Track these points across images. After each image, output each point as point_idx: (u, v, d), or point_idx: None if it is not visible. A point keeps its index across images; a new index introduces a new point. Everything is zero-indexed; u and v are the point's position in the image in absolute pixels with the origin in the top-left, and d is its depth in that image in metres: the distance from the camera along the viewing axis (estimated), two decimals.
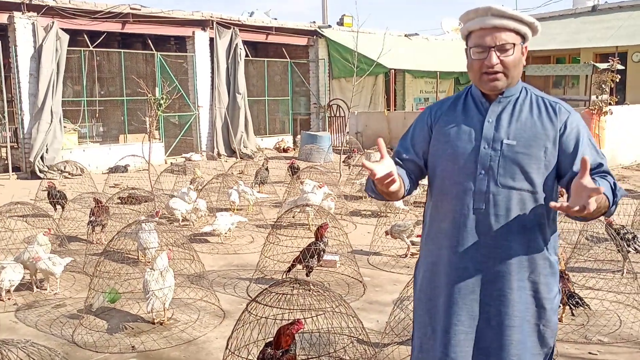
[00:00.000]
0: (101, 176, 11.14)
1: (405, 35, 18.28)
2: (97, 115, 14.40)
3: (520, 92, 1.93)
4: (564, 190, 1.90)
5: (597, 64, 14.35)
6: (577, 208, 1.63)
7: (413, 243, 5.74)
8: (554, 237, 1.95)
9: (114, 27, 12.69)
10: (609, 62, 11.32)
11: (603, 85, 11.09)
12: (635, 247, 4.82)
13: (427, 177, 2.08)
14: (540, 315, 1.91)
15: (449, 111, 2.00)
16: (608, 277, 4.65)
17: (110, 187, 9.56)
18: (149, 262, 5.01)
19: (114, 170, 11.15)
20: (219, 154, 14.16)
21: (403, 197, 2.01)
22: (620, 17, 17.94)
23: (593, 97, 11.84)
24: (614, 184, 1.83)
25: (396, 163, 2.03)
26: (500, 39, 1.83)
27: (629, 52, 17.71)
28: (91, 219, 6.08)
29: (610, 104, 10.81)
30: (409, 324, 3.74)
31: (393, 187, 1.82)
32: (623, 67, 13.17)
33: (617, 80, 11.11)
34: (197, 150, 14.10)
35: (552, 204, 1.68)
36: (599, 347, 3.58)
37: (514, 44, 1.84)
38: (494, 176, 1.86)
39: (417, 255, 5.88)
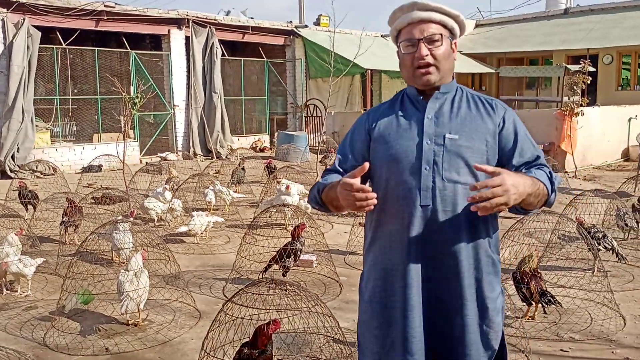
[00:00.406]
0: (74, 176, 10.97)
1: (381, 36, 18.37)
2: (70, 113, 14.17)
3: (457, 91, 1.95)
4: None
5: (569, 66, 14.63)
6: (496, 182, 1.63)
7: None
8: (496, 235, 1.95)
9: (88, 24, 12.51)
10: (580, 64, 11.54)
11: (575, 87, 11.30)
12: (605, 246, 4.92)
13: (368, 182, 1.99)
14: (482, 314, 1.87)
15: (387, 113, 1.97)
16: (579, 276, 4.74)
17: (83, 187, 9.41)
18: (123, 263, 4.96)
19: (87, 169, 10.98)
20: (195, 154, 14.06)
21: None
22: (592, 20, 18.30)
23: (565, 99, 12.06)
24: (550, 173, 1.86)
25: (337, 172, 1.98)
26: (428, 30, 1.84)
27: (599, 54, 18.08)
28: (64, 219, 5.98)
29: (581, 105, 11.03)
30: None
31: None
32: (594, 69, 13.46)
33: (589, 82, 11.33)
34: (173, 150, 13.98)
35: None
36: (570, 344, 3.65)
37: (442, 35, 1.86)
38: (439, 171, 1.84)
39: None
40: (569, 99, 11.48)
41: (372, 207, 1.76)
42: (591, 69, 11.68)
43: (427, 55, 1.83)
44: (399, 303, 1.88)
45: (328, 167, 1.96)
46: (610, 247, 4.90)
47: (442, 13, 1.87)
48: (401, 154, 1.88)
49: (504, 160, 1.89)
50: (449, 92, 1.92)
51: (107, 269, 5.18)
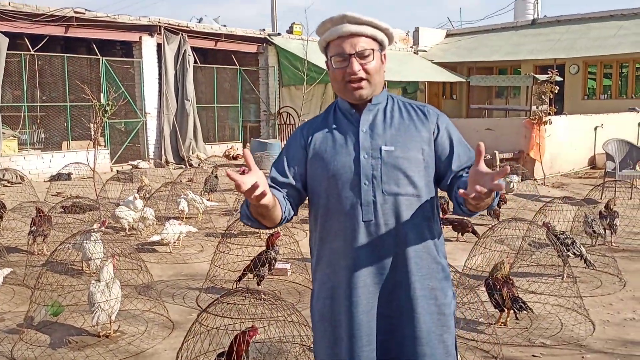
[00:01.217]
0: (43, 184, 10.74)
1: None
2: (38, 121, 13.87)
3: (387, 100, 1.94)
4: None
5: (537, 76, 14.94)
6: (485, 190, 1.60)
7: None
8: (441, 240, 1.95)
9: (57, 30, 12.29)
10: (548, 73, 11.80)
11: (543, 96, 11.54)
12: (574, 252, 5.02)
13: (307, 199, 1.97)
14: (442, 322, 1.87)
15: (321, 128, 1.94)
16: (550, 282, 4.83)
17: (52, 195, 9.23)
18: (94, 273, 4.87)
19: (56, 178, 10.76)
20: (167, 162, 13.91)
21: (281, 222, 1.87)
22: (558, 31, 18.75)
23: (533, 108, 12.30)
24: None
25: (273, 188, 1.87)
26: (359, 45, 1.82)
27: (566, 64, 18.52)
28: (32, 229, 5.85)
29: (549, 114, 11.27)
30: None
31: (265, 201, 1.67)
32: (561, 79, 13.77)
33: (556, 91, 11.59)
34: (145, 158, 13.82)
35: (461, 191, 1.65)
36: (541, 350, 3.71)
37: (373, 50, 1.84)
38: (379, 185, 1.82)
39: None
40: (537, 107, 11.71)
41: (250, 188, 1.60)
42: (558, 78, 11.94)
43: (359, 70, 1.82)
44: (344, 322, 1.84)
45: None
46: (579, 253, 5.01)
47: (372, 26, 1.85)
48: (340, 170, 1.85)
49: (442, 167, 1.89)
50: (380, 103, 1.92)
51: (78, 279, 5.09)
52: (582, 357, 3.61)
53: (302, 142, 1.95)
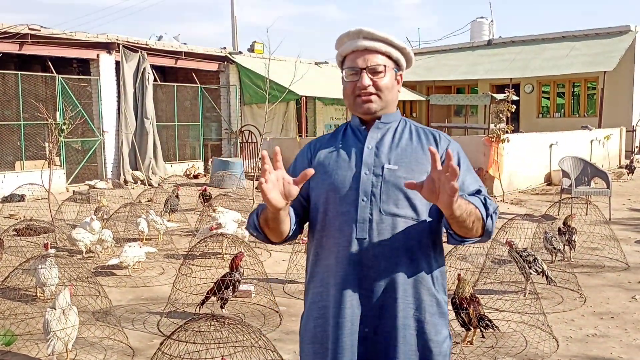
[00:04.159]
0: None
1: (315, 63, 18.62)
2: None
3: (400, 122, 1.91)
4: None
5: (495, 95, 15.31)
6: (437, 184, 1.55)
7: None
8: (441, 273, 1.84)
9: (10, 48, 11.94)
10: (504, 92, 12.10)
11: (500, 115, 11.81)
12: (536, 269, 5.09)
13: (309, 213, 1.92)
14: (426, 359, 1.78)
15: (329, 143, 1.93)
16: (513, 298, 4.88)
17: (5, 218, 8.88)
18: (49, 300, 4.67)
19: (8, 199, 10.36)
20: (125, 181, 13.60)
21: (287, 239, 1.86)
22: (513, 51, 19.33)
23: (492, 126, 12.57)
24: (485, 199, 1.77)
25: None
26: (372, 60, 1.81)
27: (521, 83, 19.08)
28: None
29: (507, 132, 11.53)
30: None
31: (283, 211, 1.68)
32: (517, 98, 14.13)
33: (513, 110, 11.88)
34: (102, 178, 13.47)
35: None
36: None
37: (385, 66, 1.83)
38: (377, 203, 1.77)
39: None
40: (495, 126, 11.98)
41: (267, 184, 1.62)
42: (515, 97, 12.26)
43: (369, 85, 1.81)
44: (331, 345, 1.78)
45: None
46: (540, 270, 5.08)
47: (387, 44, 1.84)
48: (339, 184, 1.82)
49: None
50: (391, 123, 1.88)
51: (32, 306, 4.87)
52: None
53: (309, 155, 1.95)
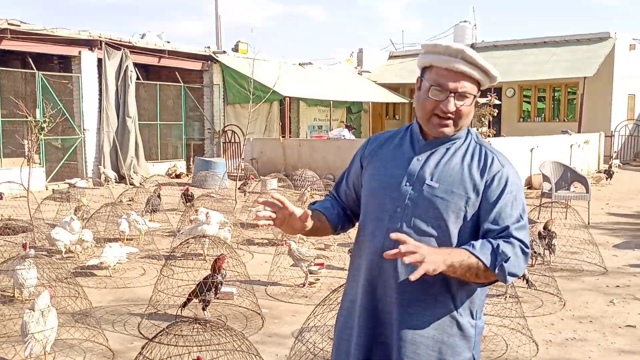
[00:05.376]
0: None
1: (299, 64, 18.61)
2: None
3: (460, 139, 1.84)
4: None
5: (478, 99, 15.45)
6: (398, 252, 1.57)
7: (311, 272, 5.74)
8: (471, 298, 1.79)
9: None
10: (487, 96, 12.22)
11: (482, 119, 11.94)
12: None
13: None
14: None
15: (385, 144, 1.93)
16: (494, 302, 4.92)
17: None
18: (27, 301, 4.60)
19: None
20: (106, 180, 13.46)
21: (335, 232, 2.03)
22: (495, 55, 19.51)
23: (474, 130, 12.66)
24: (497, 246, 1.69)
25: (333, 196, 2.07)
26: (464, 86, 1.75)
27: (503, 87, 19.28)
28: None
29: (489, 135, 11.65)
30: (310, 358, 3.71)
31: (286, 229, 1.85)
32: (499, 102, 14.30)
33: (495, 114, 12.01)
34: (83, 176, 13.31)
35: (392, 235, 1.61)
36: None
37: (473, 95, 1.77)
38: (409, 216, 1.76)
39: (316, 285, 5.89)
40: (477, 129, 12.09)
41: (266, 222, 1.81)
42: (497, 101, 12.40)
43: (453, 110, 1.75)
44: (354, 340, 1.87)
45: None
46: (521, 274, 5.12)
47: (483, 72, 1.77)
48: (380, 191, 1.84)
49: (481, 217, 1.76)
50: (451, 140, 1.83)
51: (9, 307, 4.78)
52: None
53: (363, 152, 1.99)
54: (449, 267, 1.63)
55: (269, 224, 1.80)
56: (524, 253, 1.71)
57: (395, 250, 1.57)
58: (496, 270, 1.68)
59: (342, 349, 1.91)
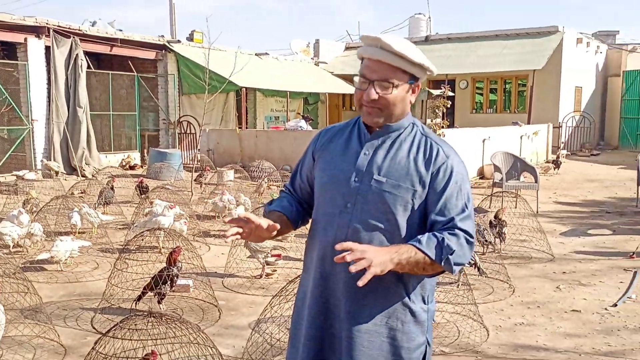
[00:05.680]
0: None
1: (256, 54, 18.45)
2: None
3: (406, 129, 1.86)
4: None
5: (431, 90, 15.68)
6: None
7: (268, 263, 5.75)
8: (422, 284, 1.84)
9: None
10: (441, 88, 12.43)
11: (436, 110, 12.14)
12: (469, 262, 5.27)
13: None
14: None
15: (334, 138, 1.95)
16: (447, 289, 5.04)
17: None
18: None
19: None
20: (56, 172, 13.06)
21: (295, 228, 2.06)
22: (449, 48, 19.83)
23: (428, 121, 12.89)
24: (442, 240, 1.72)
25: (289, 191, 2.09)
26: (381, 74, 1.75)
27: (456, 79, 19.61)
28: None
29: (442, 127, 11.86)
30: (267, 348, 3.73)
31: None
32: (453, 94, 14.55)
33: (448, 105, 12.22)
34: (32, 168, 12.88)
35: (338, 245, 1.64)
36: (442, 358, 3.86)
37: (393, 83, 1.76)
38: (357, 211, 1.80)
39: (273, 276, 5.90)
40: (431, 121, 12.29)
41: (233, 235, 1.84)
42: (450, 93, 12.62)
43: (374, 98, 1.77)
44: (303, 330, 1.91)
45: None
46: (473, 262, 5.27)
47: (401, 58, 1.75)
48: (329, 185, 1.87)
49: (428, 208, 1.80)
50: (394, 131, 1.84)
51: None
52: None
53: (315, 146, 2.00)
54: (396, 265, 1.67)
55: (237, 238, 1.83)
56: (469, 242, 1.77)
57: (341, 255, 1.61)
58: (442, 263, 1.72)
59: (295, 339, 1.95)
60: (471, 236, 1.77)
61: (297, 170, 2.07)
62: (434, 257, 1.71)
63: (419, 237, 1.74)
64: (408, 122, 1.87)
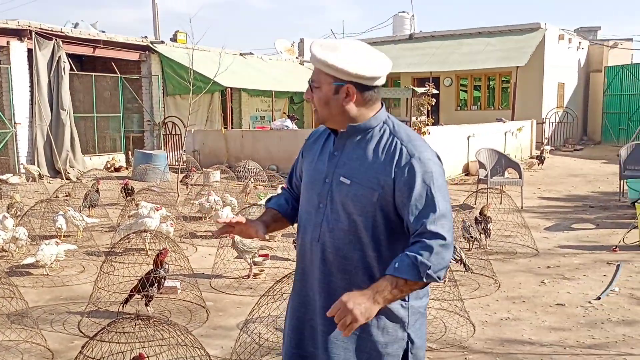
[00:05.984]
0: None
1: (240, 54, 18.41)
2: None
3: (374, 128, 1.86)
4: None
5: (416, 88, 15.77)
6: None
7: (255, 263, 5.76)
8: None
9: None
10: (425, 86, 12.50)
11: (421, 108, 12.21)
12: (454, 257, 5.33)
13: None
14: (372, 358, 1.86)
15: (318, 139, 2.02)
16: (433, 286, 5.09)
17: None
18: None
19: None
20: (41, 175, 12.95)
21: (292, 224, 2.15)
22: (433, 46, 19.94)
23: (413, 118, 12.96)
24: (415, 257, 1.69)
25: (288, 189, 2.19)
26: (316, 79, 1.86)
27: (441, 77, 19.72)
28: None
29: (427, 124, 11.93)
30: (255, 348, 3.74)
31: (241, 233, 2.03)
32: (437, 91, 14.63)
33: (433, 103, 12.29)
34: (15, 172, 12.76)
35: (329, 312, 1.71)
36: (428, 354, 3.88)
37: (316, 84, 1.85)
38: (327, 212, 1.86)
39: (260, 276, 5.91)
40: (416, 118, 12.36)
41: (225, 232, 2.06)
42: (435, 91, 12.69)
43: (307, 98, 1.90)
44: (290, 324, 2.02)
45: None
46: (459, 258, 5.33)
47: (321, 63, 1.81)
48: (309, 185, 1.96)
49: (402, 212, 1.78)
50: (361, 132, 1.86)
51: None
52: (465, 358, 3.84)
53: (305, 145, 2.09)
54: (383, 302, 1.70)
55: (225, 236, 1.95)
56: (444, 245, 1.71)
57: (329, 314, 1.71)
58: (424, 280, 1.70)
59: (285, 330, 2.08)
60: (444, 238, 1.71)
61: (293, 169, 2.17)
62: (413, 279, 1.70)
63: (394, 261, 1.72)
64: (377, 122, 1.86)
